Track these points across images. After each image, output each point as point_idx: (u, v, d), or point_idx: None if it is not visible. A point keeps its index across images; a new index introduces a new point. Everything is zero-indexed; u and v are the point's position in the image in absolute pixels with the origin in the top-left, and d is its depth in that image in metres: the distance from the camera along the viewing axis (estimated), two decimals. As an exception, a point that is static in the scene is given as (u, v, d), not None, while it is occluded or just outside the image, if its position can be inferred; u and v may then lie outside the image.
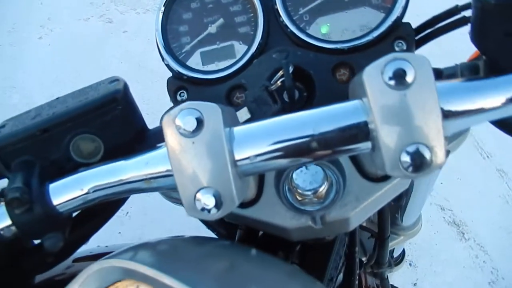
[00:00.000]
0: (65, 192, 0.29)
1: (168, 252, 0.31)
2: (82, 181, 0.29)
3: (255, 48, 0.43)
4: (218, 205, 0.26)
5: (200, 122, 0.25)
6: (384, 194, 0.38)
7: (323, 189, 0.38)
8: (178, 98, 0.45)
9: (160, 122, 0.31)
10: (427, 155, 0.24)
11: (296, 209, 0.38)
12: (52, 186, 0.29)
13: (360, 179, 0.38)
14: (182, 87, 0.44)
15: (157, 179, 0.28)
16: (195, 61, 0.46)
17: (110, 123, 0.31)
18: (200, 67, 0.45)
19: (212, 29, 0.45)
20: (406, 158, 0.24)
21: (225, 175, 0.26)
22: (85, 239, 0.34)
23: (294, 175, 0.39)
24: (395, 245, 0.74)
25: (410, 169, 0.24)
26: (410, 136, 0.24)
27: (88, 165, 0.31)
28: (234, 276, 0.29)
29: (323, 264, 0.45)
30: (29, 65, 2.36)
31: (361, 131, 0.26)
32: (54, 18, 2.70)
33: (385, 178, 0.38)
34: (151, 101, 2.10)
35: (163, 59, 0.46)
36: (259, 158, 0.26)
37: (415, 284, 1.71)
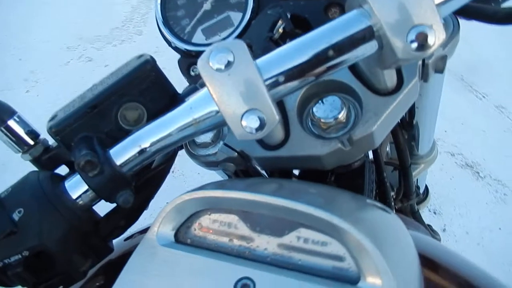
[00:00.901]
0: (125, 153, 0.32)
1: (232, 184, 0.34)
2: (138, 140, 0.32)
3: (249, 13, 0.47)
4: (262, 124, 0.29)
5: (230, 56, 0.29)
6: (398, 106, 0.42)
7: (343, 114, 0.42)
8: (192, 73, 0.48)
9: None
10: (428, 32, 0.28)
11: (324, 138, 0.42)
12: (113, 151, 0.32)
13: (374, 96, 0.41)
14: (193, 63, 0.48)
15: (204, 119, 0.31)
16: (199, 38, 0.50)
17: (147, 89, 0.35)
18: (205, 42, 0.49)
19: (206, 6, 0.49)
20: (412, 38, 0.28)
21: (263, 97, 0.29)
22: (146, 204, 0.38)
23: (314, 110, 0.42)
24: (418, 174, 0.78)
25: (418, 47, 0.28)
26: (410, 21, 0.28)
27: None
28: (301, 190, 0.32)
29: (359, 190, 0.49)
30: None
31: (368, 32, 0.30)
32: (36, 70, 2.75)
33: (396, 90, 0.41)
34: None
35: (170, 44, 0.49)
36: (287, 77, 0.30)
37: (444, 230, 1.74)
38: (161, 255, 0.30)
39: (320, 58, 0.30)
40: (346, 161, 0.46)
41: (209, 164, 0.48)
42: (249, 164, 0.47)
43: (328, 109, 0.42)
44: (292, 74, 0.30)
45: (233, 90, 0.29)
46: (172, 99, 0.36)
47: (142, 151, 0.32)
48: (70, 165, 0.35)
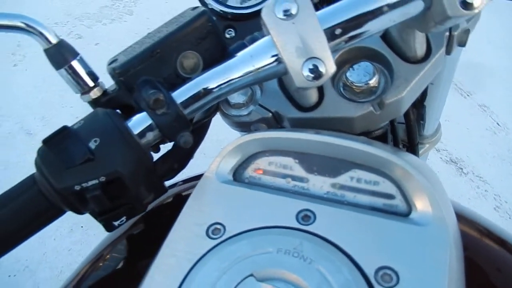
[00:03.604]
0: (188, 96, 0.34)
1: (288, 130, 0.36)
2: (200, 84, 0.34)
3: None
4: (321, 72, 0.32)
5: (294, 6, 0.31)
6: (426, 74, 0.45)
7: (375, 79, 0.44)
8: (227, 35, 0.50)
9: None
10: None
11: (357, 101, 0.45)
12: (176, 93, 0.34)
13: (404, 63, 0.44)
14: (228, 25, 0.50)
15: (263, 67, 0.33)
16: (234, 0, 0.51)
17: (204, 39, 0.36)
18: (239, 5, 0.51)
19: (243, -31, 0.51)
20: None
21: (323, 46, 0.31)
22: (193, 153, 0.40)
23: (347, 74, 0.45)
24: (423, 154, 0.82)
25: (466, 5, 0.31)
26: None
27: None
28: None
29: None
30: (12, 92, 2.34)
31: None
32: (23, 43, 2.67)
33: (424, 58, 0.45)
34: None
35: (205, 5, 0.51)
36: (344, 30, 0.33)
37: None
38: (222, 190, 0.32)
39: (375, 13, 0.33)
40: (373, 126, 0.49)
41: (241, 124, 0.50)
42: (282, 124, 0.49)
43: (361, 74, 0.45)
44: (348, 27, 0.33)
45: (296, 38, 0.31)
46: (224, 50, 0.38)
47: (203, 95, 0.34)
48: (126, 109, 0.36)
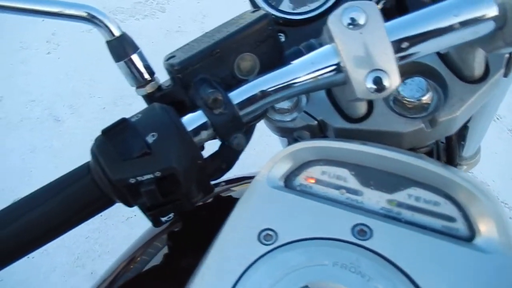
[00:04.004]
0: (245, 97, 0.34)
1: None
2: (258, 86, 0.34)
3: None
4: (384, 85, 0.31)
5: (363, 15, 0.31)
6: (482, 95, 0.43)
7: (428, 96, 0.43)
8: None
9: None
10: None
11: (407, 117, 0.44)
12: (232, 94, 0.34)
13: (460, 82, 0.43)
14: (279, 30, 0.50)
15: (324, 74, 0.33)
16: (286, 6, 0.51)
17: (263, 42, 0.36)
18: (292, 10, 0.51)
19: (299, -24, 0.51)
20: None
21: (390, 59, 0.31)
22: (239, 154, 0.40)
23: (400, 89, 0.44)
24: (459, 175, 0.80)
25: None
26: None
27: (248, 81, 0.36)
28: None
29: None
30: (44, 79, 2.40)
31: (489, 9, 0.31)
32: (58, 33, 2.75)
33: (482, 79, 0.43)
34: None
35: (257, 7, 0.51)
36: (412, 44, 0.32)
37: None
38: (273, 196, 0.32)
39: (445, 30, 0.32)
40: (421, 143, 0.47)
41: (284, 130, 0.49)
42: (325, 134, 0.48)
43: (414, 89, 0.44)
44: (416, 41, 0.32)
45: (362, 48, 0.31)
46: (281, 54, 0.38)
47: (259, 98, 0.34)
48: (178, 105, 0.36)
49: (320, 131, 0.48)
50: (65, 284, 1.53)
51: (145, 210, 0.33)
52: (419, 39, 0.32)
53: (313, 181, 0.33)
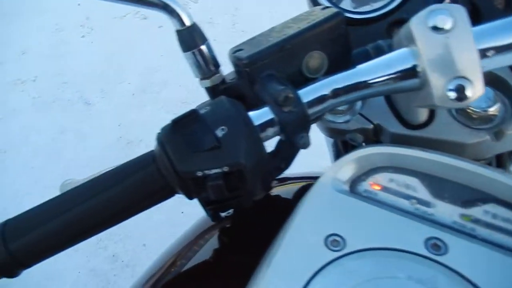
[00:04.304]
0: (314, 96, 0.33)
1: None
2: (329, 86, 0.33)
3: None
4: (467, 94, 0.30)
5: (449, 19, 0.29)
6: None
7: (496, 107, 0.41)
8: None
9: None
10: None
11: (471, 127, 0.42)
12: (301, 92, 0.33)
13: (532, 95, 0.41)
14: None
15: (399, 77, 0.32)
16: (347, 4, 0.50)
17: (334, 41, 0.35)
18: (353, 9, 0.49)
19: (362, -25, 0.49)
20: None
21: (475, 67, 0.29)
22: (295, 154, 0.39)
23: (466, 97, 0.42)
24: None
25: None
26: None
27: (315, 79, 0.35)
28: None
29: None
30: (77, 62, 2.45)
31: None
32: (92, 17, 2.79)
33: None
34: (193, 89, 2.16)
35: (317, 4, 0.50)
36: (498, 51, 0.30)
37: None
38: (338, 200, 0.31)
39: None
40: (483, 155, 0.45)
41: (335, 131, 0.48)
42: (380, 139, 0.47)
43: (481, 99, 0.42)
44: (503, 50, 0.30)
45: (447, 53, 0.29)
46: (348, 57, 0.36)
47: (329, 98, 0.33)
48: (241, 100, 0.36)
49: (374, 135, 0.47)
50: (87, 264, 1.57)
51: (205, 204, 0.32)
52: (506, 48, 0.30)
53: (378, 188, 0.32)
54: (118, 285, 1.47)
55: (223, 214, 0.33)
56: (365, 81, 0.33)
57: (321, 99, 0.33)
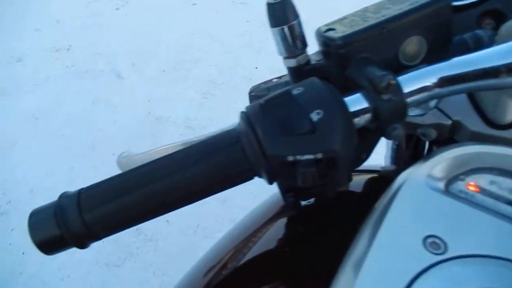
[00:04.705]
0: (414, 85, 0.30)
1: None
2: (431, 74, 0.30)
3: None
4: None
5: None
6: None
7: None
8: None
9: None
10: None
11: None
12: (399, 79, 0.30)
13: None
14: None
15: (512, 72, 0.29)
16: None
17: (438, 26, 0.32)
18: None
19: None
20: None
21: None
22: (374, 145, 0.37)
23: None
24: None
25: None
26: None
27: (410, 67, 0.32)
28: None
29: None
30: (110, 34, 2.45)
31: None
32: (128, -10, 2.78)
33: None
34: (224, 70, 2.14)
35: None
36: None
37: None
38: (434, 199, 0.28)
39: None
40: None
41: (407, 124, 0.46)
42: (456, 136, 0.44)
43: None
44: None
45: None
46: (447, 46, 0.33)
47: (430, 88, 0.30)
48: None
49: (450, 132, 0.44)
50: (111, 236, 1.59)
51: (286, 190, 0.31)
52: None
53: (476, 189, 0.29)
54: (140, 258, 1.49)
55: (303, 203, 0.31)
56: (472, 72, 0.30)
57: (422, 89, 0.30)
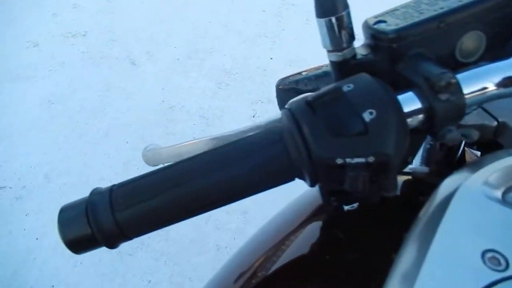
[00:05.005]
0: (473, 85, 0.28)
1: None
2: (494, 73, 0.28)
3: None
4: None
5: None
6: None
7: None
8: None
9: None
10: None
11: None
12: (458, 77, 0.28)
13: None
14: None
15: None
16: None
17: (499, 21, 0.30)
18: None
19: None
20: None
21: None
22: (419, 148, 0.34)
23: None
24: None
25: None
26: None
27: (466, 65, 0.30)
28: None
29: None
30: (126, 21, 2.43)
31: None
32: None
33: None
34: (238, 60, 2.11)
35: None
36: None
37: None
38: (492, 210, 0.26)
39: None
40: None
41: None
42: (498, 139, 0.42)
43: None
44: None
45: None
46: (509, 42, 0.31)
47: (493, 89, 0.28)
48: None
49: (494, 134, 0.42)
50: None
51: (330, 193, 0.29)
52: None
53: None
54: (152, 248, 1.50)
55: (346, 207, 0.29)
56: None
57: (483, 89, 0.28)
